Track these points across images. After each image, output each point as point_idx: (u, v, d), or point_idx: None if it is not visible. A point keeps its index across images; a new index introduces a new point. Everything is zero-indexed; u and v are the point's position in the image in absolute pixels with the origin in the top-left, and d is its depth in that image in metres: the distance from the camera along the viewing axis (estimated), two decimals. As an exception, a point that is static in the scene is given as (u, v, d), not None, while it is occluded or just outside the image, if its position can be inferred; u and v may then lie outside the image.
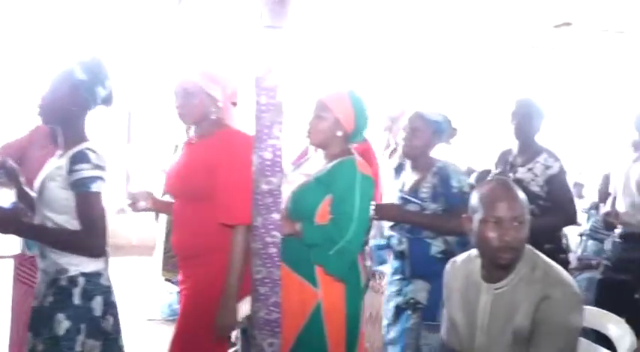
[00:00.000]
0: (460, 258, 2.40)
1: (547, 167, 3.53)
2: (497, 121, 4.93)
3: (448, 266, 2.43)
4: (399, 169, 3.53)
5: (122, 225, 7.28)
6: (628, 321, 2.39)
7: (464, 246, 3.05)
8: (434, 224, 3.23)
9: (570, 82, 8.79)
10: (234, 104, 3.18)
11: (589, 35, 7.79)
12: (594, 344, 2.44)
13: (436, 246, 3.22)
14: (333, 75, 7.88)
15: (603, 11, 6.91)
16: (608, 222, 3.80)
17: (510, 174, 3.63)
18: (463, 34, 7.63)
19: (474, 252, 2.30)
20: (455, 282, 2.35)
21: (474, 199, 2.19)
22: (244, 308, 2.73)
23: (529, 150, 3.64)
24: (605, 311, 2.48)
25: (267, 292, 2.53)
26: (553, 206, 3.49)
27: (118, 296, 2.71)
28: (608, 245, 3.96)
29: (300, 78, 6.79)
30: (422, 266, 3.23)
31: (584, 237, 4.63)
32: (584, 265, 4.30)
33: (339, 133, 2.93)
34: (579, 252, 4.56)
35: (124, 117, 8.86)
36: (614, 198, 4.05)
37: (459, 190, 3.19)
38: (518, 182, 3.36)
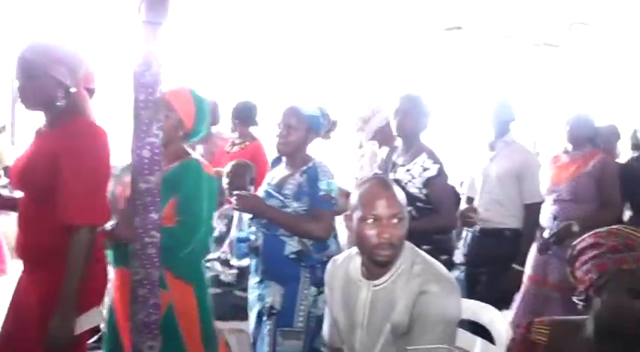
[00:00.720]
0: (341, 256, 2.42)
1: (425, 169, 3.45)
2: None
3: (329, 265, 2.44)
4: (275, 163, 3.42)
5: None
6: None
7: (321, 250, 3.10)
8: (289, 223, 3.10)
9: (462, 84, 9.02)
10: (91, 91, 3.03)
11: (479, 39, 8.04)
12: (472, 335, 2.51)
13: (291, 246, 3.10)
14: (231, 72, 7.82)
15: (493, 16, 7.14)
16: (466, 220, 3.83)
17: (391, 174, 3.56)
18: (356, 36, 7.71)
19: (354, 250, 2.31)
20: (335, 281, 2.36)
21: (354, 198, 2.21)
22: (89, 319, 2.55)
23: (411, 149, 3.57)
24: (480, 303, 2.56)
25: (145, 294, 2.45)
26: (433, 208, 3.45)
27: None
28: (467, 240, 4.02)
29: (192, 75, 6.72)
30: (274, 266, 3.13)
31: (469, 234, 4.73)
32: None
33: (180, 132, 2.89)
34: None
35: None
36: (469, 198, 4.13)
37: (326, 194, 3.08)
38: (397, 182, 3.32)
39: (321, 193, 3.05)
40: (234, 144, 5.32)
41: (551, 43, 8.69)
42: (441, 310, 2.08)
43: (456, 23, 7.55)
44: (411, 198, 3.29)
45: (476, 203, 3.95)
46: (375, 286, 2.19)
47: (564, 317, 2.04)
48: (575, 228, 3.62)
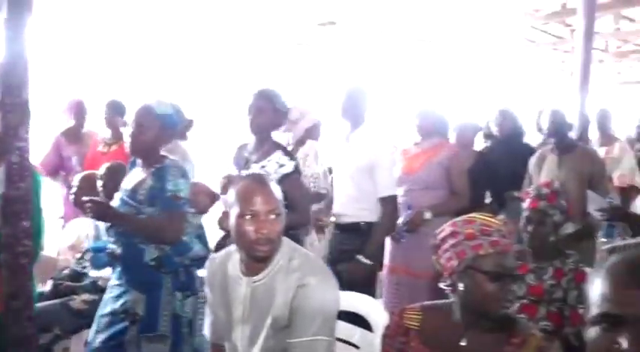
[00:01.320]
0: (219, 254, 2.41)
1: (280, 165, 3.35)
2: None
3: (207, 263, 2.43)
4: (131, 166, 3.25)
5: None
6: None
7: (182, 253, 3.06)
8: (139, 229, 2.97)
9: (335, 79, 9.16)
10: None
11: (352, 34, 8.19)
12: (352, 325, 2.58)
13: (149, 253, 2.97)
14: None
15: (366, 11, 7.28)
16: (317, 223, 3.82)
17: (243, 171, 3.45)
18: (229, 32, 7.67)
19: (232, 247, 2.31)
20: (215, 278, 2.34)
21: (231, 195, 2.21)
22: None
23: (264, 146, 3.46)
24: (358, 294, 2.63)
25: (19, 306, 2.36)
26: (288, 205, 3.40)
27: None
28: (328, 236, 4.07)
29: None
30: (135, 274, 3.01)
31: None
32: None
33: None
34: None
35: None
36: (319, 194, 4.16)
37: (173, 194, 2.94)
38: None
39: (168, 194, 2.93)
40: (107, 144, 5.16)
41: (424, 39, 9.00)
42: (319, 302, 2.11)
43: (330, 18, 7.64)
44: None
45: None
46: (255, 282, 2.19)
47: (434, 302, 2.12)
48: (428, 215, 3.71)
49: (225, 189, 3.50)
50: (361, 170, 3.63)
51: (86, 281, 3.72)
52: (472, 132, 4.82)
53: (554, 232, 2.98)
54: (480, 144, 5.25)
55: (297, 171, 3.39)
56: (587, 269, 2.73)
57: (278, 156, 3.37)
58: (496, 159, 4.61)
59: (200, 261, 3.13)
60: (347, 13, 7.39)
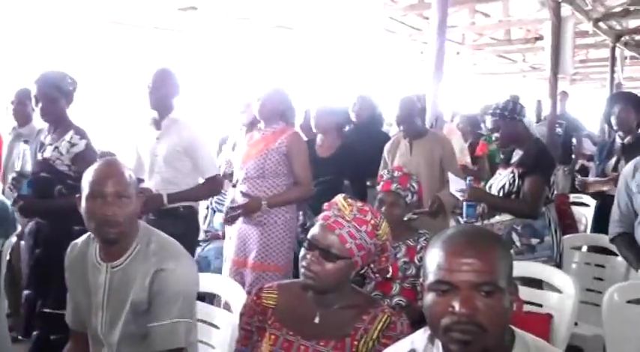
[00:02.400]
0: (80, 240, 2.35)
1: (72, 145, 3.41)
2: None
3: (68, 250, 2.36)
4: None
5: None
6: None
7: None
8: None
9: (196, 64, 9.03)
10: None
11: (214, 19, 8.11)
12: (212, 306, 2.64)
13: None
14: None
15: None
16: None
17: (39, 154, 3.49)
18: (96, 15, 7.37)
19: (92, 234, 2.27)
20: (75, 265, 2.31)
21: (84, 180, 2.17)
22: None
23: (58, 128, 3.51)
24: (218, 275, 2.66)
25: None
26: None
27: None
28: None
29: None
30: None
31: (209, 210, 4.79)
32: (212, 236, 4.47)
33: None
34: (205, 225, 4.72)
35: None
36: (138, 179, 3.96)
37: None
38: (45, 161, 3.40)
39: None
40: None
41: (286, 26, 9.05)
42: (177, 286, 2.12)
43: (190, 3, 7.52)
44: (62, 176, 3.38)
45: (147, 184, 3.73)
46: (113, 268, 2.18)
47: (290, 281, 2.22)
48: (264, 206, 3.59)
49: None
50: (177, 154, 3.62)
51: None
52: (334, 117, 4.53)
53: (406, 213, 3.13)
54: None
55: (88, 148, 3.44)
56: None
57: (70, 135, 3.42)
58: (353, 145, 4.56)
59: None
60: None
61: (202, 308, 2.46)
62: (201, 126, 3.69)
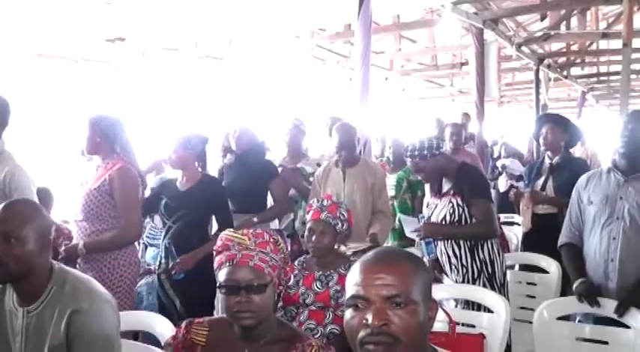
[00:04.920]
0: None
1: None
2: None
3: None
4: None
5: None
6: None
7: None
8: None
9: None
10: None
11: (142, 50, 8.04)
12: (135, 342, 2.57)
13: None
14: None
15: (157, 28, 7.16)
16: None
17: None
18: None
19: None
20: None
21: None
22: None
23: None
24: (144, 312, 2.58)
25: None
26: None
27: None
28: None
29: None
30: None
31: (141, 245, 4.67)
32: (144, 271, 4.34)
33: None
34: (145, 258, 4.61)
35: None
36: None
37: None
38: None
39: None
40: None
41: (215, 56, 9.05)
42: (95, 327, 2.05)
43: (118, 34, 7.44)
44: None
45: None
46: (30, 312, 2.11)
47: (220, 316, 2.14)
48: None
49: None
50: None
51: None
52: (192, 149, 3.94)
53: (336, 241, 3.12)
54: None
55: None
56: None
57: None
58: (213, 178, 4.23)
59: None
60: (137, 29, 7.22)
61: (132, 347, 2.40)
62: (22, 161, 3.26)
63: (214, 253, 2.08)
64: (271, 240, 2.05)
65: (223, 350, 2.00)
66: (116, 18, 6.54)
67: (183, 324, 2.10)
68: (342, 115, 5.19)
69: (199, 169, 3.93)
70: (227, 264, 1.98)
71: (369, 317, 1.38)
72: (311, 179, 4.53)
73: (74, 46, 7.54)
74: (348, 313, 1.44)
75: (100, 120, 3.48)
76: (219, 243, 2.06)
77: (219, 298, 2.03)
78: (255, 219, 4.18)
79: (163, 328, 2.46)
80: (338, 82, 11.92)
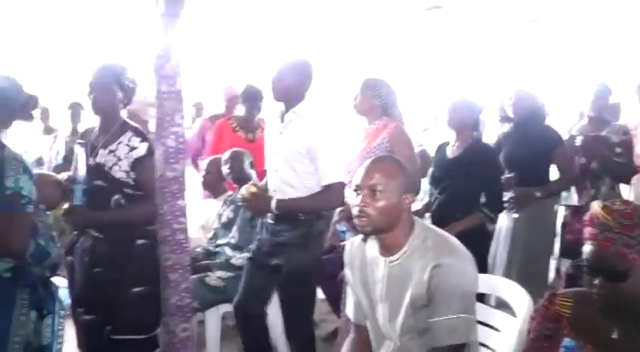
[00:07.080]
0: (357, 238, 2.45)
1: (132, 148, 2.91)
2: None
3: (347, 246, 2.50)
4: None
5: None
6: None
7: (40, 262, 2.71)
8: None
9: (443, 63, 9.04)
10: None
11: (458, 18, 8.09)
12: (491, 308, 2.58)
13: (3, 263, 2.57)
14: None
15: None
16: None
17: (91, 159, 2.98)
18: (338, 18, 7.71)
19: None
20: (355, 261, 2.42)
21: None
22: None
23: (112, 127, 3.00)
24: (499, 277, 2.61)
25: (177, 278, 2.55)
26: (143, 195, 2.91)
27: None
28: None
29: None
30: None
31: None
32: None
33: None
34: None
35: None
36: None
37: (14, 193, 2.49)
38: (99, 167, 2.92)
39: (8, 192, 2.49)
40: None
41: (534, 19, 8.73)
42: (456, 281, 2.12)
43: (435, 2, 7.57)
44: (120, 185, 2.91)
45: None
46: (391, 262, 2.25)
47: (583, 290, 2.01)
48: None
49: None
50: (296, 154, 3.20)
51: (220, 259, 3.91)
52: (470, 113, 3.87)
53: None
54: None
55: (149, 153, 2.91)
56: None
57: (128, 137, 2.96)
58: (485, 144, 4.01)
59: (54, 269, 2.84)
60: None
61: (481, 310, 2.43)
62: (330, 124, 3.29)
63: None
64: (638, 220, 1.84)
65: (590, 325, 1.93)
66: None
67: (546, 296, 2.06)
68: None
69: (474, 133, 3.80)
70: (588, 243, 1.85)
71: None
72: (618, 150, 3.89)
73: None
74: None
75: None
76: (590, 216, 1.91)
77: None
78: (538, 194, 3.89)
79: (518, 295, 2.43)
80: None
